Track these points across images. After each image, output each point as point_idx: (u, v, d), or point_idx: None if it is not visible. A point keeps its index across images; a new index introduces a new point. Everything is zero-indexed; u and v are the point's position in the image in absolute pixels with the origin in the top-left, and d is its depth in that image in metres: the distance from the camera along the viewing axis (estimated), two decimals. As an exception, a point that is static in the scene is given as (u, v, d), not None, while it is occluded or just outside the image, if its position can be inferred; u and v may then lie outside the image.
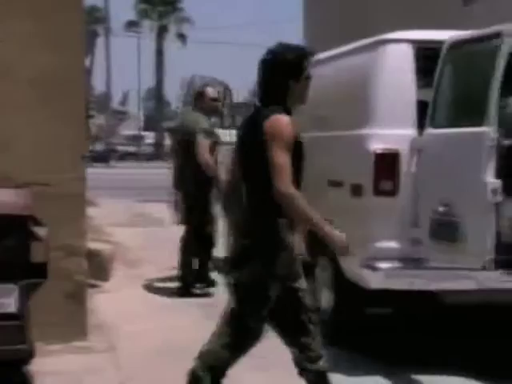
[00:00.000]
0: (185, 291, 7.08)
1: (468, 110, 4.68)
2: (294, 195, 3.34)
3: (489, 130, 4.34)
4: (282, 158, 3.35)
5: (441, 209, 4.62)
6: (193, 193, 7.00)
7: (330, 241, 3.41)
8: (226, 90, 7.94)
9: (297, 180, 3.46)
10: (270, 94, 3.54)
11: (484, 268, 4.39)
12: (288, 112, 3.49)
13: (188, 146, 6.92)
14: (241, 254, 3.54)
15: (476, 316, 5.74)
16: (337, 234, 3.42)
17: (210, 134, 7.02)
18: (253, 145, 3.46)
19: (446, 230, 4.61)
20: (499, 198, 4.31)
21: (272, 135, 3.37)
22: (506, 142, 4.60)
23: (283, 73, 3.50)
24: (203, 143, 6.86)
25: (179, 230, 8.37)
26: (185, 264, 7.15)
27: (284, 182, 3.34)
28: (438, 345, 5.40)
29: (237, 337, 3.54)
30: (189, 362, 3.53)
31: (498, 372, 4.75)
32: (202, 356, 3.58)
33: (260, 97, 3.59)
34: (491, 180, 4.33)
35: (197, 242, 7.16)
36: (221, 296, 7.03)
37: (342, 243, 3.43)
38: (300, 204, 3.35)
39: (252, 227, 3.51)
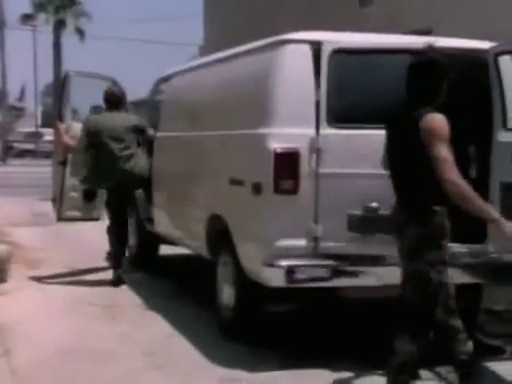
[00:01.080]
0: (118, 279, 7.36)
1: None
2: (462, 184, 3.62)
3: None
4: (444, 151, 3.64)
5: None
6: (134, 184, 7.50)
7: (500, 227, 3.66)
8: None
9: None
10: (422, 94, 3.82)
11: None
12: (438, 109, 3.76)
13: (142, 142, 7.58)
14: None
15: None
16: (505, 221, 3.66)
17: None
18: (408, 143, 3.77)
19: None
20: None
21: (431, 132, 3.67)
22: None
23: (438, 72, 3.82)
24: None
25: (80, 229, 8.22)
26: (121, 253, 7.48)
27: (452, 173, 3.63)
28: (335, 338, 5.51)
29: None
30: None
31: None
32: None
33: (411, 97, 3.85)
34: None
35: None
36: (122, 297, 6.95)
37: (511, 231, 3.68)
38: (469, 192, 3.62)
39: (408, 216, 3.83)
